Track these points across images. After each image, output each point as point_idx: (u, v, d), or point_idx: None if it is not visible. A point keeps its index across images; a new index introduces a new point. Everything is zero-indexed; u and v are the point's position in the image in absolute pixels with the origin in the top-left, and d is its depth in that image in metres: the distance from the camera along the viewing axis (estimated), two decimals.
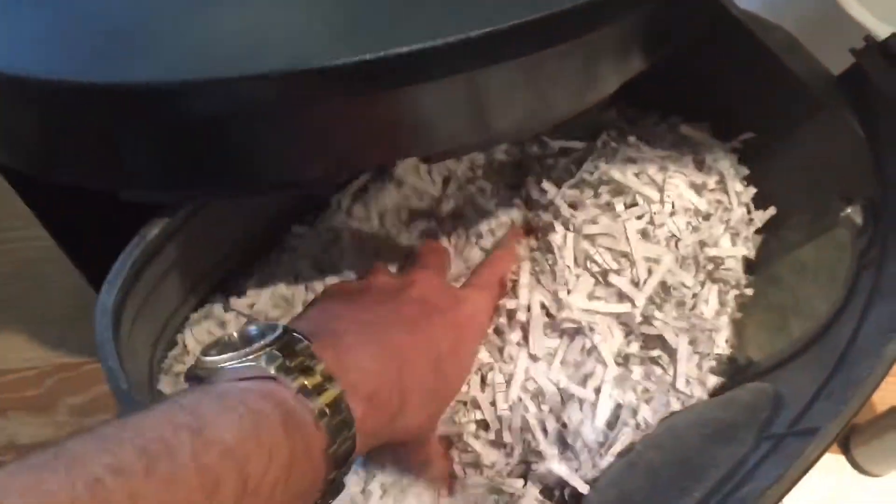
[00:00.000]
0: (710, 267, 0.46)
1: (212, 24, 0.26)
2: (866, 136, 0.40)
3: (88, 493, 0.23)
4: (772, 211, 0.47)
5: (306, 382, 0.31)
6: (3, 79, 0.25)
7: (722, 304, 0.47)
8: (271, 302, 0.46)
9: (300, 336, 0.33)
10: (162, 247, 0.37)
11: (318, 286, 0.47)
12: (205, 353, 0.32)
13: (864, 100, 0.40)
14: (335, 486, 0.33)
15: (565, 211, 0.45)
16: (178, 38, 0.26)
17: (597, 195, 0.46)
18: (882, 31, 0.48)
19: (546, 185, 0.47)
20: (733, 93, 0.45)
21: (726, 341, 0.46)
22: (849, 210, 0.41)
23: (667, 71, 0.37)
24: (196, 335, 0.45)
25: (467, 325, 0.43)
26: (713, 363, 0.45)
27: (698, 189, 0.47)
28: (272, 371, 0.30)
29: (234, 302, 0.46)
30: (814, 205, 0.44)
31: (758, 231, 0.48)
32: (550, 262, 0.45)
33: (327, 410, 0.31)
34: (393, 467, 0.43)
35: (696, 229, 0.46)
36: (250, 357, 0.31)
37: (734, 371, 0.46)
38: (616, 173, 0.46)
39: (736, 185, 0.47)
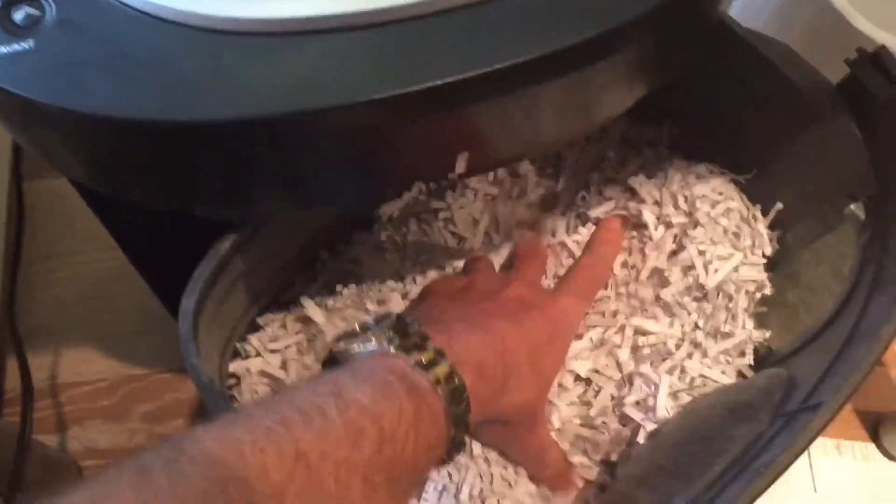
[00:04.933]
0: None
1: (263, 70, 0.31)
2: (864, 138, 0.43)
3: (264, 437, 0.29)
4: (779, 206, 0.51)
5: (421, 358, 0.36)
6: (94, 119, 0.30)
7: (749, 302, 0.51)
8: (322, 313, 0.50)
9: (412, 320, 0.39)
10: (231, 259, 0.42)
11: (365, 292, 0.51)
12: (336, 342, 0.40)
13: (861, 105, 0.43)
14: (457, 443, 0.37)
15: None
16: (246, 80, 0.31)
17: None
18: (883, 38, 0.52)
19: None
20: (735, 105, 0.49)
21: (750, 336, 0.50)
22: (852, 207, 0.45)
23: (674, 89, 0.41)
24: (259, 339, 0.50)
25: (561, 322, 0.46)
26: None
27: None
28: (392, 349, 0.37)
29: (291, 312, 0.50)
30: (821, 204, 0.48)
31: (773, 227, 0.52)
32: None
33: (441, 379, 0.36)
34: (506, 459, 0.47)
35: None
36: (372, 341, 0.38)
37: (758, 361, 0.50)
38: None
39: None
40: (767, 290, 0.51)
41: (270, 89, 0.30)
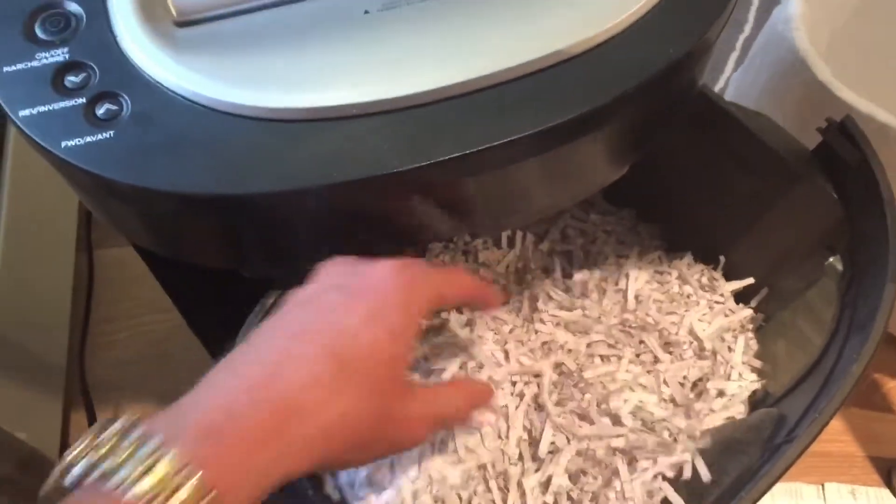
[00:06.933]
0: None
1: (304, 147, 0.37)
2: (839, 197, 0.48)
3: None
4: (749, 280, 0.58)
5: (142, 481, 0.28)
6: (163, 194, 0.36)
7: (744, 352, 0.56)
8: None
9: (134, 422, 0.31)
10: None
11: None
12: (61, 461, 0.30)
13: (834, 168, 0.48)
14: None
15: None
16: (281, 159, 0.37)
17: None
18: (867, 107, 0.57)
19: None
20: (722, 171, 0.54)
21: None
22: (831, 259, 0.49)
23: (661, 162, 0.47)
24: None
25: (381, 287, 0.37)
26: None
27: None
28: (103, 473, 0.29)
29: None
30: (805, 258, 0.52)
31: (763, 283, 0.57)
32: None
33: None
34: None
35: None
36: (80, 464, 0.29)
37: (755, 403, 0.54)
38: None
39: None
40: (751, 334, 0.57)
41: (305, 167, 0.36)
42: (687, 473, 0.47)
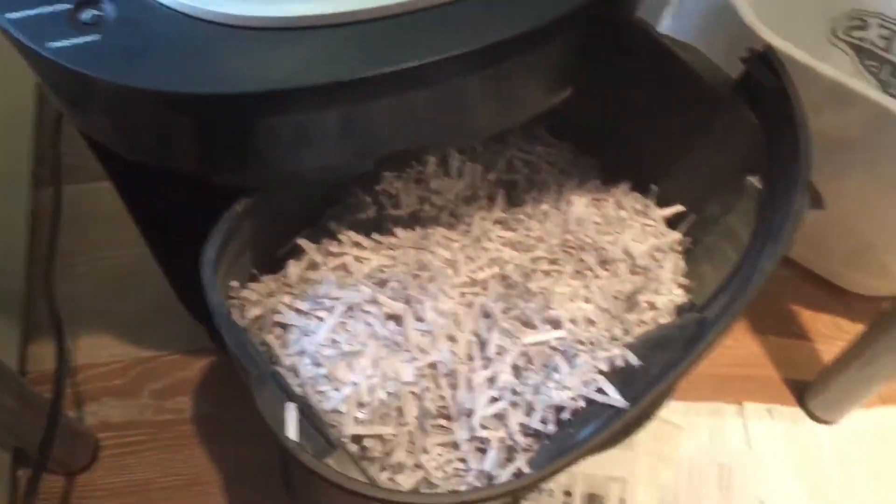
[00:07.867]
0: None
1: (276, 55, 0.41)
2: (759, 121, 0.53)
3: None
4: (679, 207, 0.64)
5: None
6: (144, 92, 0.39)
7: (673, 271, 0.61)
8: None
9: None
10: (242, 223, 0.51)
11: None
12: None
13: (755, 95, 0.53)
14: None
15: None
16: (254, 63, 0.40)
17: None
18: (788, 48, 0.62)
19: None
20: (654, 102, 0.59)
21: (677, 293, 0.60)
22: (751, 179, 0.55)
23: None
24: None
25: None
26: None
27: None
28: None
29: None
30: (728, 182, 0.57)
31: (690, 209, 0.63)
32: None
33: None
34: None
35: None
36: None
37: (682, 312, 0.59)
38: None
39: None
40: (679, 255, 0.63)
41: (273, 70, 0.40)
42: (619, 364, 0.52)
